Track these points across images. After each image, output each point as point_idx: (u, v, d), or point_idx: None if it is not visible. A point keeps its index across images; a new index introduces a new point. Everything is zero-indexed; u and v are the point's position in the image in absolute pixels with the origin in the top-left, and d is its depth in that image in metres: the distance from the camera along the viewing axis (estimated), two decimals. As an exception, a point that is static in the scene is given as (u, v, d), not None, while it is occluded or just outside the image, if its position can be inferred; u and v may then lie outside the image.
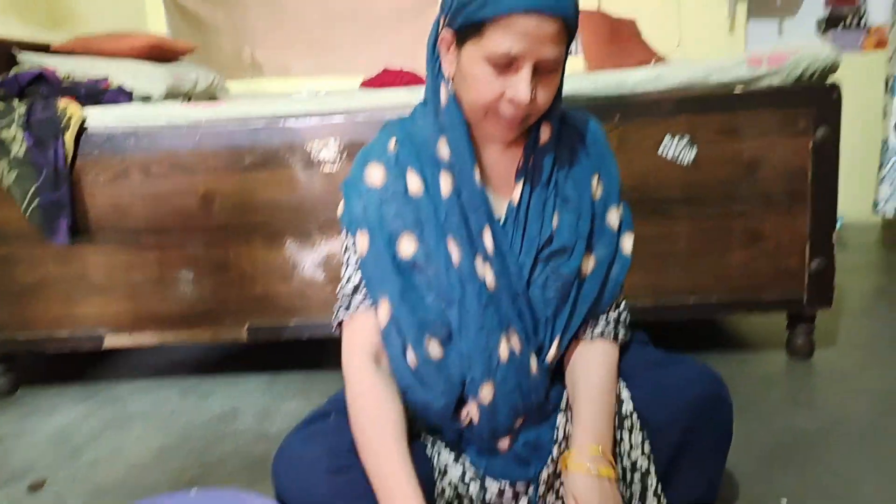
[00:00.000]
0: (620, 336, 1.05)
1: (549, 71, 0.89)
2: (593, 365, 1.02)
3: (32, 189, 1.69)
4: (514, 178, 1.00)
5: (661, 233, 1.66)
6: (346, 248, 1.04)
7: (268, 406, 1.73)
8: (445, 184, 0.97)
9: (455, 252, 0.97)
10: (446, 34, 0.94)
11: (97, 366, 2.09)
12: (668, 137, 1.61)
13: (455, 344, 0.98)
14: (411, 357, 0.98)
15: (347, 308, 1.02)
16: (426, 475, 1.00)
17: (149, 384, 1.94)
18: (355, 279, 1.02)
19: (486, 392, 0.97)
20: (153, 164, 1.72)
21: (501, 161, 1.01)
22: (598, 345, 1.04)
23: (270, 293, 1.77)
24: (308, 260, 1.75)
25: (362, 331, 1.00)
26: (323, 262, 1.74)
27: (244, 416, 1.68)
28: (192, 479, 1.40)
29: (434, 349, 0.98)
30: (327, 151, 1.69)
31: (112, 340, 1.80)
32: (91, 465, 1.49)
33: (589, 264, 1.02)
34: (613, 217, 1.04)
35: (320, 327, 1.78)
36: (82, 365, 2.09)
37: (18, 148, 1.69)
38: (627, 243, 1.05)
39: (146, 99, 2.13)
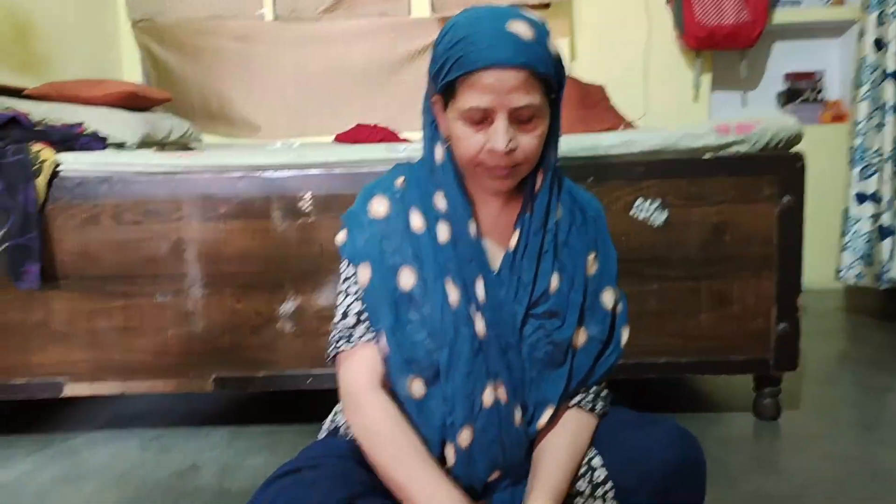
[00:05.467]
0: (598, 408, 1.05)
1: (526, 120, 0.93)
2: (565, 433, 1.01)
3: (1, 233, 1.65)
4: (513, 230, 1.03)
5: (631, 293, 1.66)
6: (345, 278, 1.05)
7: (230, 462, 1.68)
8: (443, 232, 1.00)
9: (452, 293, 0.98)
10: (435, 98, 0.99)
11: (52, 416, 2.02)
12: (640, 200, 1.65)
13: (440, 385, 0.97)
14: (400, 393, 0.99)
15: (349, 339, 1.01)
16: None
17: (107, 436, 1.87)
18: (355, 309, 1.02)
19: (465, 437, 0.97)
20: (125, 210, 1.71)
21: (503, 215, 1.04)
22: (574, 412, 1.04)
23: (239, 344, 1.74)
24: (279, 312, 1.73)
25: (366, 361, 0.99)
26: (294, 315, 1.72)
27: (205, 473, 1.62)
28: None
29: (417, 389, 0.98)
30: (303, 204, 1.69)
31: (71, 389, 1.75)
32: (41, 522, 1.42)
33: (581, 338, 1.04)
34: (608, 298, 1.06)
35: (289, 380, 1.74)
36: (36, 414, 2.01)
37: (-14, 191, 1.66)
38: (625, 335, 1.08)
39: (120, 146, 2.13)
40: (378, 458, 0.95)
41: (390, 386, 1.01)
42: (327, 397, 1.17)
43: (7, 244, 1.66)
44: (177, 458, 1.71)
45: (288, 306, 1.72)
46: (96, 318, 1.73)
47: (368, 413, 0.97)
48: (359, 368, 1.00)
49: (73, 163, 1.73)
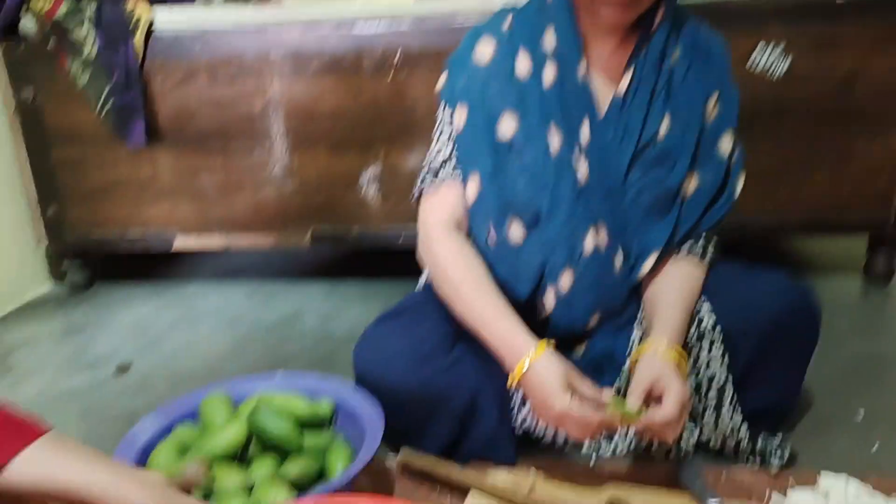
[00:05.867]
0: (708, 257, 1.03)
1: None
2: (677, 279, 1.00)
3: (106, 90, 1.70)
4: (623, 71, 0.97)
5: (744, 149, 1.59)
6: (440, 121, 1.04)
7: (330, 310, 1.77)
8: (549, 73, 0.96)
9: (555, 139, 0.96)
10: None
11: (165, 266, 2.16)
12: (760, 47, 1.51)
13: (540, 230, 0.98)
14: (492, 237, 0.98)
15: (434, 178, 1.02)
16: (501, 380, 1.02)
17: (215, 286, 2.00)
18: (446, 152, 1.02)
19: (565, 281, 0.98)
20: (219, 67, 1.71)
21: (616, 55, 0.98)
22: (684, 260, 1.02)
23: (333, 201, 1.78)
24: (371, 169, 1.73)
25: (446, 201, 1.01)
26: (385, 172, 1.73)
27: (308, 319, 1.72)
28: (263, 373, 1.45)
29: (515, 232, 0.98)
30: (395, 59, 1.64)
31: (181, 242, 1.85)
32: (170, 354, 1.56)
33: (692, 185, 1.00)
34: (725, 144, 1.01)
35: (381, 237, 1.78)
36: (152, 264, 2.16)
37: (90, 49, 1.69)
38: (739, 184, 1.03)
39: (207, 1, 2.10)
40: (447, 292, 0.97)
41: (474, 232, 1.01)
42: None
43: (113, 101, 1.71)
44: (280, 307, 1.82)
45: (379, 165, 1.73)
46: (198, 174, 1.79)
47: (441, 248, 0.98)
48: (439, 206, 1.01)
49: (167, 21, 1.73)
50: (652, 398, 0.87)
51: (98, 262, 2.05)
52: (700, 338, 0.99)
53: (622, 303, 1.03)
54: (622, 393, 1.02)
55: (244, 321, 1.73)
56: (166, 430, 0.96)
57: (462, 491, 0.95)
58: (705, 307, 1.00)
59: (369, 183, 1.75)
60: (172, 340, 1.63)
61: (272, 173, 1.77)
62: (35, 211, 1.85)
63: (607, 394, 0.86)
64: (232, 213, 1.82)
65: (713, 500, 0.88)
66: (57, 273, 2.02)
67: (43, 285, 2.00)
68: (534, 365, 0.87)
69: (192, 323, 1.73)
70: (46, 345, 1.64)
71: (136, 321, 1.76)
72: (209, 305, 1.85)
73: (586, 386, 0.87)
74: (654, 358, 0.90)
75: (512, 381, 0.90)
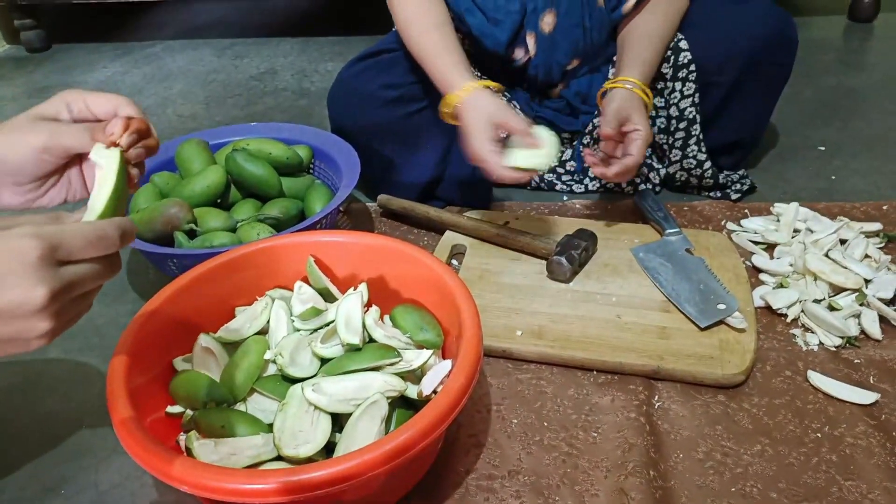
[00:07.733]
0: None
1: None
2: (656, 9, 0.96)
3: None
4: None
5: None
6: None
7: (305, 67, 1.72)
8: None
9: None
10: None
11: (127, 25, 2.05)
12: None
13: None
14: None
15: None
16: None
17: (182, 44, 1.91)
18: None
19: (548, 21, 0.95)
20: None
21: None
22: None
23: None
24: None
25: None
26: None
27: (283, 75, 1.68)
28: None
29: None
30: None
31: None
32: (143, 111, 1.52)
33: None
34: None
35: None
36: (113, 24, 2.04)
37: None
38: None
39: None
40: (401, 30, 0.94)
41: None
42: None
43: None
44: (253, 64, 1.76)
45: None
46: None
47: None
48: None
49: None
50: (620, 133, 0.88)
51: (52, 20, 1.93)
52: (674, 74, 0.98)
53: (603, 43, 1.00)
54: (594, 129, 1.04)
55: (217, 78, 1.68)
56: (143, 179, 0.97)
57: (439, 231, 1.00)
58: (682, 44, 0.98)
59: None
60: (145, 98, 1.59)
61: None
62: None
63: (537, 129, 0.84)
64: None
65: (671, 229, 0.94)
66: (10, 32, 1.91)
67: (-3, 46, 1.92)
68: (464, 100, 0.85)
69: (162, 81, 1.68)
70: (13, 106, 1.60)
71: (104, 81, 1.70)
72: (178, 64, 1.78)
73: (517, 121, 0.83)
74: (623, 94, 0.88)
75: (443, 116, 0.89)
